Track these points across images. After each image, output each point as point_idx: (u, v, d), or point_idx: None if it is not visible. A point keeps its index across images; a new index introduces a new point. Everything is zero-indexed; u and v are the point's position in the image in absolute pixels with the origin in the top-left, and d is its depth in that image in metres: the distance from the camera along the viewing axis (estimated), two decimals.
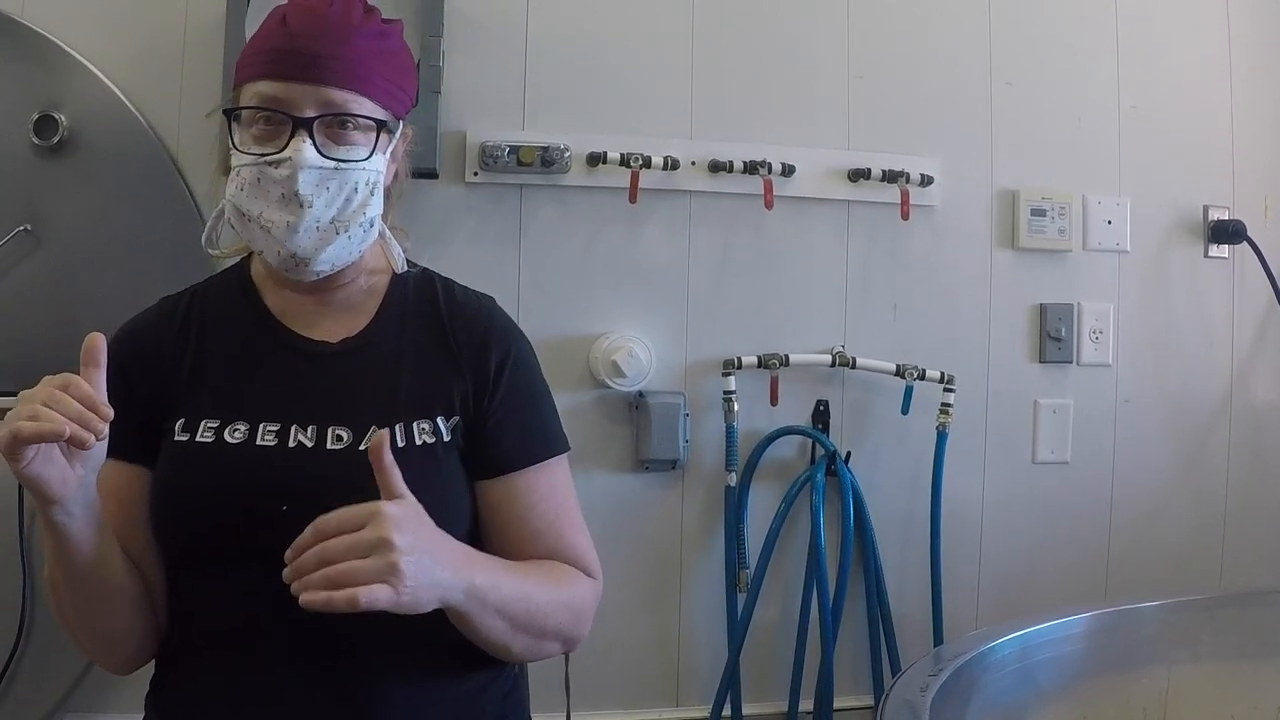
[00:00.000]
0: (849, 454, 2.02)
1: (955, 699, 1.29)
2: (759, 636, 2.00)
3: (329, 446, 1.05)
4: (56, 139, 1.76)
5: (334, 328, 1.14)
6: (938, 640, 2.04)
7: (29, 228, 1.77)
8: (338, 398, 1.08)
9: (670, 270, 1.98)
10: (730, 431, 1.97)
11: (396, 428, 1.07)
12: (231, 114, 1.07)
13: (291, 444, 1.05)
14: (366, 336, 1.13)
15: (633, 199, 1.90)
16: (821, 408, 2.03)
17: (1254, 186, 2.25)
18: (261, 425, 1.07)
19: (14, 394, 1.72)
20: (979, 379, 2.11)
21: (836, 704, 1.99)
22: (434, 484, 1.05)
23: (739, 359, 1.97)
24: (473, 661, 1.07)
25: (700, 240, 1.99)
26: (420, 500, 0.99)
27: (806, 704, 2.00)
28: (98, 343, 0.94)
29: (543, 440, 1.16)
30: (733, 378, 1.96)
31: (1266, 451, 2.27)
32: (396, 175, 1.17)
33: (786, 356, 1.98)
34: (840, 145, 2.04)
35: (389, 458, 0.95)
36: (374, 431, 1.04)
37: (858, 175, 2.02)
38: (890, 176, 2.01)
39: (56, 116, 1.76)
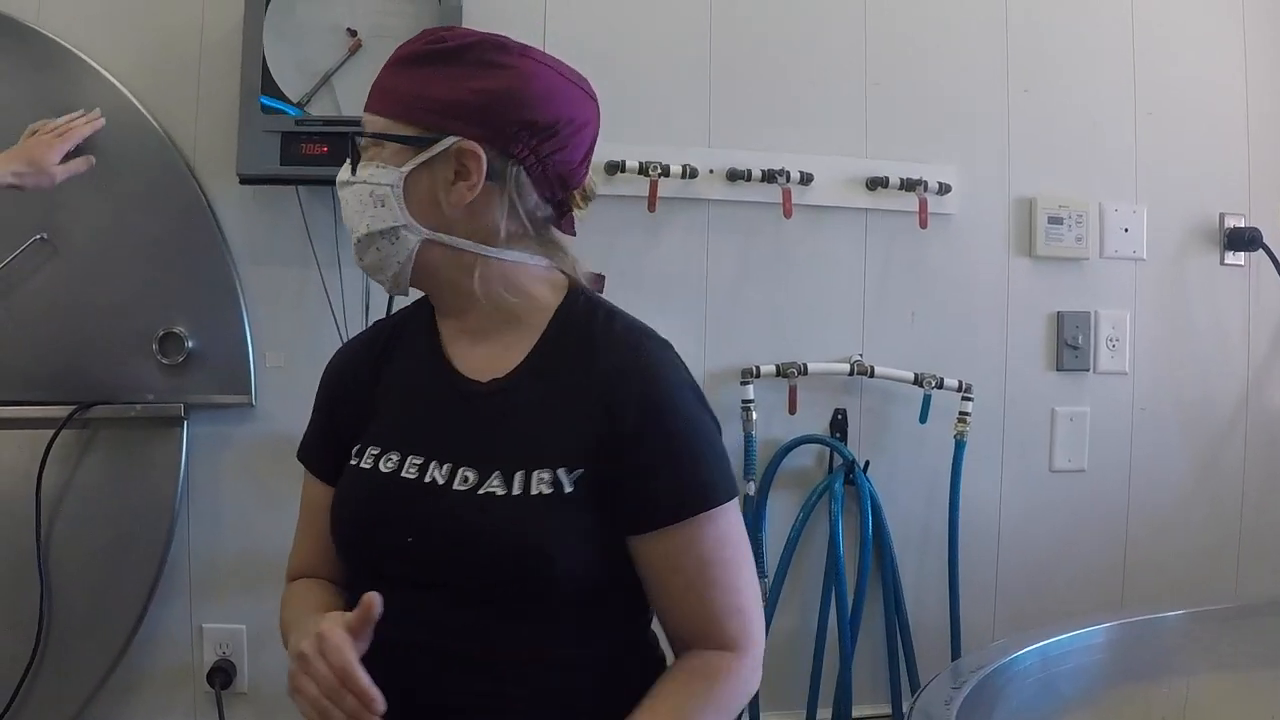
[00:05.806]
0: (867, 463, 2.01)
1: (978, 713, 1.29)
2: (777, 645, 1.99)
3: (455, 486, 1.07)
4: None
5: (487, 362, 1.13)
6: (955, 648, 2.04)
7: (45, 236, 1.76)
8: (474, 440, 1.10)
9: (689, 278, 1.98)
10: (749, 440, 1.96)
11: (516, 476, 1.06)
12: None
13: (427, 479, 1.09)
14: (514, 378, 1.12)
15: (651, 207, 1.90)
16: (840, 416, 2.03)
17: (1270, 194, 2.25)
18: (409, 458, 1.10)
19: (32, 403, 1.74)
20: (996, 387, 2.11)
21: (854, 713, 1.99)
22: (535, 535, 1.05)
23: (757, 368, 1.97)
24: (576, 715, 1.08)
25: (718, 249, 1.99)
26: (514, 549, 1.04)
27: (825, 712, 2.00)
28: (373, 610, 0.98)
29: (682, 497, 1.09)
30: (751, 386, 1.96)
31: None
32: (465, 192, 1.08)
33: (805, 365, 1.98)
34: (858, 153, 2.03)
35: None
36: (497, 476, 1.06)
37: (875, 183, 2.01)
38: (908, 185, 2.01)
39: None
